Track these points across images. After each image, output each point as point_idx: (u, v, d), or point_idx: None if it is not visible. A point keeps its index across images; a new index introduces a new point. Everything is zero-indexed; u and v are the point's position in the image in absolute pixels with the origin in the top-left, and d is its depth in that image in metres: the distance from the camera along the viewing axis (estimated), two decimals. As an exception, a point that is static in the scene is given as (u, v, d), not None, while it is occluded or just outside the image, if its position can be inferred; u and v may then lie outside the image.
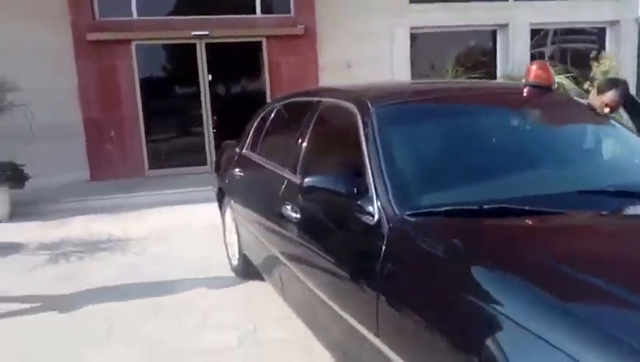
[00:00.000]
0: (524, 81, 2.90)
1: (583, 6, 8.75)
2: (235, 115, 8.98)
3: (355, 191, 2.11)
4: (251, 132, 4.00)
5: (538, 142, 2.44)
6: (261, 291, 3.89)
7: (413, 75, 8.29)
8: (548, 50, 8.85)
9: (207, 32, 8.46)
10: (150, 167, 8.75)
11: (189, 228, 5.84)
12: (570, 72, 7.62)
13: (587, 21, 8.90)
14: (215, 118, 8.84)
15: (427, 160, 2.29)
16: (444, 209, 1.93)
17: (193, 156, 8.96)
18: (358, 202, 2.09)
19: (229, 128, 8.77)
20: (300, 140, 2.93)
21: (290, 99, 3.61)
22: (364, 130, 2.33)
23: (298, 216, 2.58)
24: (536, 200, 1.95)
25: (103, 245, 5.35)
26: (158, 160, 8.84)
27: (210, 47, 8.65)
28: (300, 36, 8.68)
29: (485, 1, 8.45)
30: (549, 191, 2.04)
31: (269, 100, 8.80)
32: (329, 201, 2.20)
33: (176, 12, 8.66)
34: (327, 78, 8.54)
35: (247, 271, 4.06)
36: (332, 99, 2.87)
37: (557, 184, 2.14)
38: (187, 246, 5.21)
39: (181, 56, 8.78)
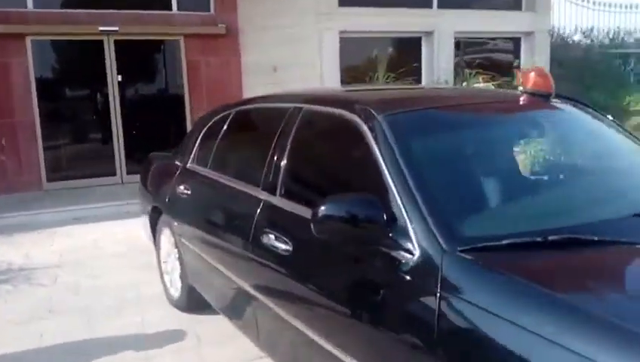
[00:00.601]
0: (521, 88, 2.64)
1: (502, 17, 8.98)
2: (149, 119, 8.22)
3: (385, 220, 1.68)
4: (197, 142, 3.42)
5: (585, 155, 2.16)
6: (212, 328, 3.31)
7: (344, 80, 8.01)
8: (469, 58, 8.96)
9: (116, 28, 7.59)
10: (49, 180, 7.67)
11: (105, 250, 5.06)
12: (495, 80, 7.73)
13: (506, 31, 9.14)
14: (126, 123, 7.96)
15: (464, 179, 1.90)
16: (504, 242, 1.55)
17: (100, 166, 7.99)
18: (390, 234, 1.67)
19: (142, 134, 8.05)
20: (276, 155, 2.43)
21: (254, 105, 3.10)
22: (376, 144, 1.90)
23: (289, 248, 2.09)
24: (607, 227, 1.64)
25: (2, 276, 4.44)
26: (58, 171, 7.78)
27: (120, 45, 7.77)
28: (221, 36, 8.07)
29: (412, 7, 8.39)
30: (614, 215, 1.74)
31: (187, 104, 8.12)
32: (342, 231, 1.74)
33: (80, 4, 7.66)
34: (252, 82, 8.03)
35: (193, 304, 3.46)
36: (318, 107, 2.40)
37: (621, 207, 1.85)
38: (108, 273, 4.45)
39: (86, 54, 7.80)
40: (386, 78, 7.54)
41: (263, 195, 2.44)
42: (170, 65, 8.21)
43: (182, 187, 3.32)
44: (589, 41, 11.56)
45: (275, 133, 2.56)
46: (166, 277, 3.79)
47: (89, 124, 8.08)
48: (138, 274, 4.31)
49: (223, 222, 2.79)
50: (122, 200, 6.56)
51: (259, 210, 2.40)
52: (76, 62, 8.07)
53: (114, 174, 7.98)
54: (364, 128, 1.99)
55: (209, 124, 3.41)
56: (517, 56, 9.39)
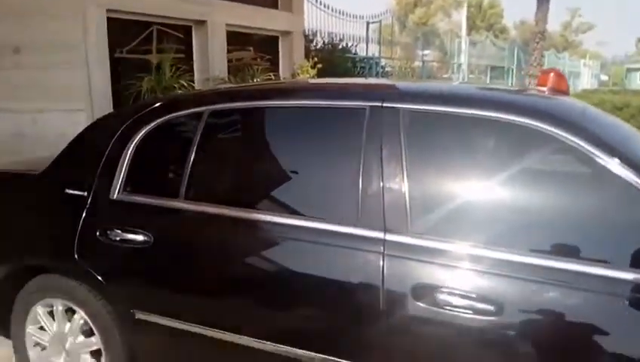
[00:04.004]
0: (540, 87, 2.58)
1: (267, 14, 8.85)
2: None
3: None
4: (128, 160, 2.17)
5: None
6: None
7: (115, 68, 6.56)
8: (241, 54, 8.54)
9: None
10: None
11: None
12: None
13: (270, 29, 9.03)
14: None
15: None
16: None
17: None
18: None
19: None
20: (381, 177, 1.72)
21: (253, 103, 2.12)
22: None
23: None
24: None
25: None
26: None
27: None
28: None
29: (184, -7, 7.45)
30: None
31: None
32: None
33: None
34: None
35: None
36: (448, 109, 1.77)
37: None
38: None
39: None
40: (173, 72, 6.56)
41: (374, 234, 1.69)
42: None
43: (117, 231, 2.08)
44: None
45: (345, 147, 1.83)
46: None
47: None
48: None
49: (278, 281, 1.83)
50: None
51: (383, 261, 1.65)
52: None
53: None
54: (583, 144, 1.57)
55: (145, 132, 2.19)
56: (276, 52, 9.46)
